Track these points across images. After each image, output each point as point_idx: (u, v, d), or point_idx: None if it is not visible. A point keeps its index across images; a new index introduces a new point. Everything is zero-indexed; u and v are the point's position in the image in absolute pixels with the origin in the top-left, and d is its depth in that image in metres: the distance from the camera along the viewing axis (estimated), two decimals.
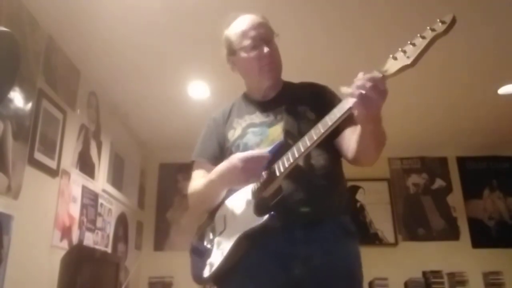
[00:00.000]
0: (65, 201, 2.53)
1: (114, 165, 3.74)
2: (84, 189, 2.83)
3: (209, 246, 1.24)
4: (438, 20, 0.88)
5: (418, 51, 0.88)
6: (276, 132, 1.24)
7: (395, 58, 0.93)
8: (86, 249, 2.77)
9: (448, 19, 0.87)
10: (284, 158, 1.09)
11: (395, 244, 4.28)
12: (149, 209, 4.37)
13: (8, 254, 1.92)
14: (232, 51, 1.35)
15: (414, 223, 4.37)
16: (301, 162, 1.13)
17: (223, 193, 1.23)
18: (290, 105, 1.29)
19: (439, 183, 4.53)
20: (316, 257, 1.11)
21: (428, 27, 0.88)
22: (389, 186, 4.49)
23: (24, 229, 2.06)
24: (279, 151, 1.13)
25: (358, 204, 4.43)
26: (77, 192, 2.73)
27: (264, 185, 1.12)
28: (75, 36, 2.50)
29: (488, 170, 4.54)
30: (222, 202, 1.25)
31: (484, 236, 4.31)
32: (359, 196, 4.46)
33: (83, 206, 2.80)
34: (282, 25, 1.32)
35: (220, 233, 1.21)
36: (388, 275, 3.97)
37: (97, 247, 2.99)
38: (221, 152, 1.33)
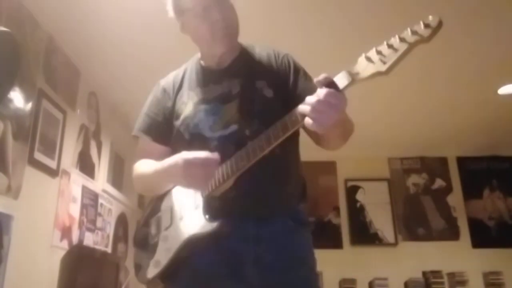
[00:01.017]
0: (65, 201, 2.53)
1: (114, 165, 3.73)
2: (84, 189, 2.83)
3: (152, 242, 1.14)
4: (421, 22, 0.75)
5: (395, 57, 0.77)
6: (231, 111, 1.13)
7: (369, 60, 0.82)
8: (86, 249, 2.77)
9: (433, 22, 0.75)
10: (238, 157, 1.01)
11: (395, 244, 4.28)
12: None
13: (8, 254, 1.92)
14: (179, 11, 1.21)
15: (414, 223, 4.37)
16: None
17: (169, 186, 1.14)
18: (246, 79, 1.16)
19: (439, 183, 4.53)
20: (267, 255, 1.06)
21: (409, 28, 0.76)
22: (389, 186, 4.48)
23: (24, 229, 2.06)
24: (232, 141, 1.06)
25: (358, 204, 4.43)
26: (77, 192, 2.72)
27: (215, 184, 1.04)
28: (75, 36, 2.50)
29: (488, 170, 4.54)
30: (169, 190, 1.16)
31: (484, 236, 4.31)
32: (359, 196, 4.45)
33: (83, 206, 2.80)
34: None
35: (166, 229, 1.12)
36: (388, 275, 3.97)
37: (97, 247, 2.99)
38: (168, 128, 1.21)
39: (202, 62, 1.27)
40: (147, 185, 1.21)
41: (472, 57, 2.82)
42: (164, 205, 1.16)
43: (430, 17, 0.76)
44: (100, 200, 3.12)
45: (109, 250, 3.25)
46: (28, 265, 2.11)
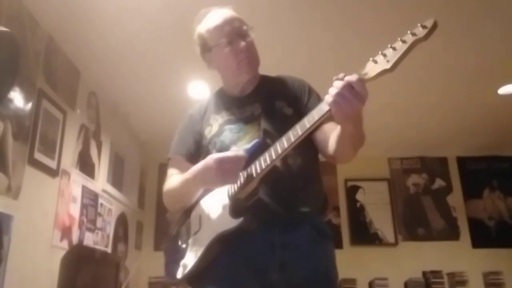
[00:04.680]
0: (65, 201, 2.53)
1: (114, 165, 3.74)
2: (84, 189, 2.83)
3: (183, 246, 1.21)
4: (419, 24, 0.86)
5: (398, 55, 0.87)
6: (254, 129, 1.22)
7: (375, 62, 0.91)
8: (86, 249, 2.77)
9: (429, 23, 0.85)
10: (261, 159, 1.07)
11: (395, 244, 4.28)
12: (149, 209, 4.37)
13: (8, 254, 1.92)
14: (207, 48, 1.32)
15: (414, 223, 4.37)
16: (278, 162, 1.10)
17: (199, 193, 1.21)
18: (267, 101, 1.27)
19: (439, 183, 4.53)
20: (292, 263, 1.10)
21: (408, 31, 0.87)
22: (389, 186, 4.49)
23: (24, 229, 2.06)
24: (257, 151, 1.10)
25: (358, 204, 4.44)
26: (77, 192, 2.72)
27: (241, 186, 1.09)
28: (75, 36, 2.50)
29: (488, 170, 4.55)
30: (198, 201, 1.23)
31: (484, 236, 4.31)
32: (359, 196, 4.46)
33: (83, 206, 2.80)
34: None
35: (195, 233, 1.18)
36: (388, 275, 3.97)
37: (97, 247, 2.99)
38: (197, 149, 1.31)
39: (225, 91, 1.38)
40: (177, 195, 1.26)
41: (472, 57, 2.82)
42: (193, 214, 1.23)
43: (427, 20, 0.87)
44: (100, 200, 3.12)
45: (109, 250, 3.25)
46: (28, 265, 2.11)
